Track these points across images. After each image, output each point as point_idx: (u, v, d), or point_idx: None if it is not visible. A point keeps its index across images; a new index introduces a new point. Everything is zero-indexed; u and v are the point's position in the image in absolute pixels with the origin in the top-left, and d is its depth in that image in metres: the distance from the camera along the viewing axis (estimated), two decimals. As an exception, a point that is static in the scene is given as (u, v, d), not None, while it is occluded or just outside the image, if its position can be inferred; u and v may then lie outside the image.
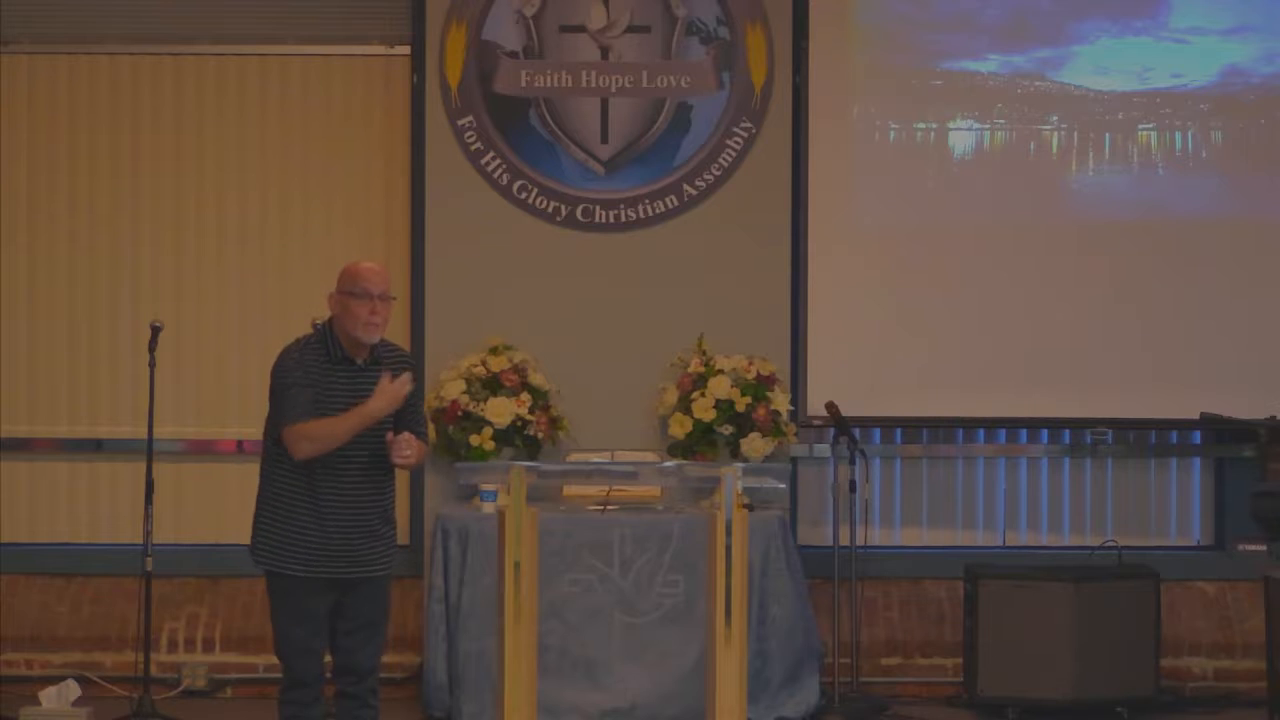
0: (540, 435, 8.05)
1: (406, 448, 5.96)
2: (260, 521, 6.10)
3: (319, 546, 6.00)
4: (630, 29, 8.28)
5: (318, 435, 5.90)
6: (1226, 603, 8.37)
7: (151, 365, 7.58)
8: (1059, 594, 7.69)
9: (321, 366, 6.00)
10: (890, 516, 8.58)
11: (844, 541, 7.91)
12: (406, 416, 6.09)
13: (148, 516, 7.55)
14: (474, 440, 7.98)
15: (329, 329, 6.06)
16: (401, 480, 8.20)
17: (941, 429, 8.52)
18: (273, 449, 6.07)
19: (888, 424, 8.47)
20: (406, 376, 5.96)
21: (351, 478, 6.01)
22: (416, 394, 6.18)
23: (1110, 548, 8.07)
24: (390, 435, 5.97)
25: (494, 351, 8.13)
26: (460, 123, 8.27)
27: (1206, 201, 8.31)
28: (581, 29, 8.29)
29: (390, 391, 5.91)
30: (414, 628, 8.06)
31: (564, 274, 8.28)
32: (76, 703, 7.51)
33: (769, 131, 8.28)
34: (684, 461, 7.75)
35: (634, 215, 8.29)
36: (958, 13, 8.34)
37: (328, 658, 6.19)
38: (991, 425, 8.48)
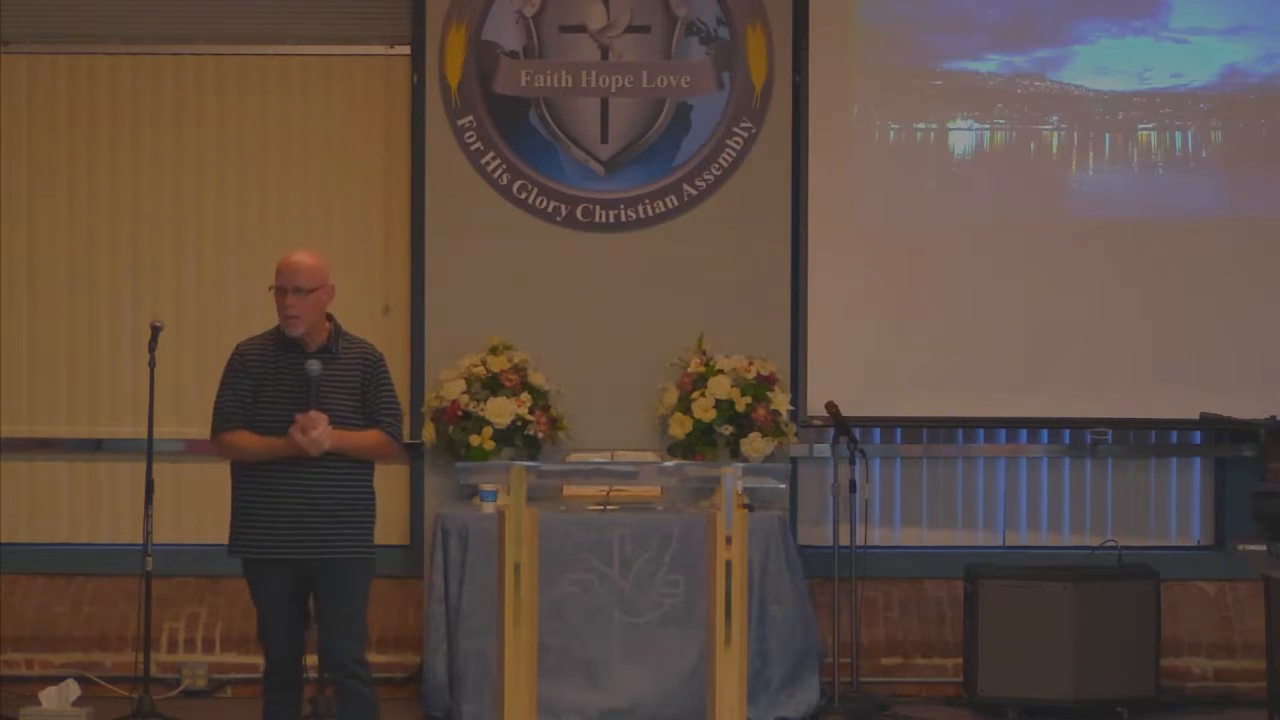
0: (540, 435, 8.04)
1: (312, 426, 5.97)
2: (230, 513, 6.23)
3: (265, 527, 6.07)
4: (630, 29, 8.28)
5: (235, 450, 6.13)
6: (1226, 603, 8.37)
7: (151, 365, 7.57)
8: (1059, 594, 7.68)
9: (269, 353, 6.14)
10: (890, 516, 8.58)
11: (844, 541, 7.91)
12: (369, 406, 6.12)
13: (148, 516, 7.55)
14: (474, 440, 7.97)
15: None
16: (401, 480, 8.26)
17: (941, 429, 8.51)
18: None
19: (888, 424, 8.47)
20: (319, 433, 5.97)
21: (287, 462, 6.03)
22: (380, 384, 6.18)
23: (1110, 548, 8.07)
24: (298, 415, 5.99)
25: (494, 351, 8.13)
26: (460, 123, 8.27)
27: (1206, 201, 8.31)
28: (581, 29, 8.29)
29: (301, 441, 5.98)
30: (414, 628, 8.06)
31: (564, 274, 8.28)
32: (76, 703, 7.51)
33: (769, 131, 8.27)
34: (684, 461, 7.74)
35: (634, 215, 8.29)
36: (958, 13, 8.33)
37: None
38: (991, 425, 8.47)
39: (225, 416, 6.13)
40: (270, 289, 6.14)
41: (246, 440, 6.09)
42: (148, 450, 7.61)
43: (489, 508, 7.58)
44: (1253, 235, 8.29)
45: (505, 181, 8.28)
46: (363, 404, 6.12)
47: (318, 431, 5.97)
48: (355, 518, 6.13)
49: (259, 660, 8.07)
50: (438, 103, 8.26)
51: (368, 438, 6.12)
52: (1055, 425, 8.44)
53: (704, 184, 8.28)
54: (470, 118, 8.27)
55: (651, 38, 8.28)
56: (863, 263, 8.29)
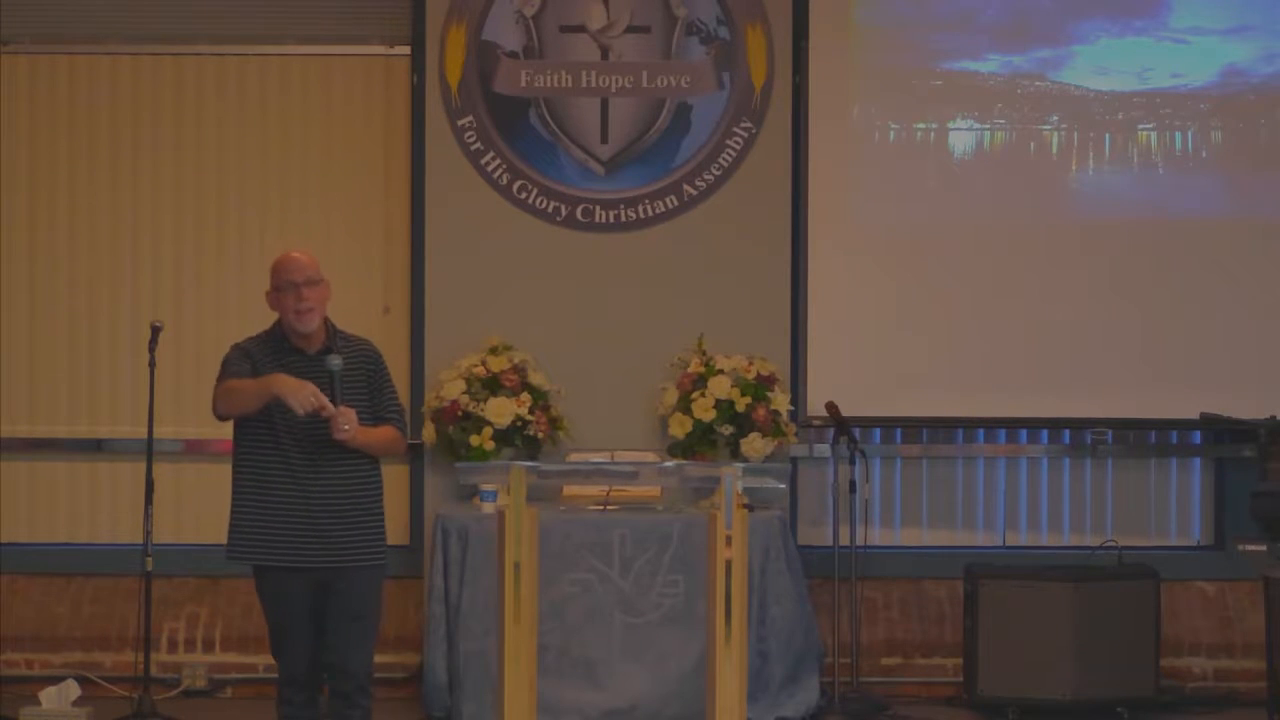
0: (540, 435, 8.04)
1: (345, 422, 5.92)
2: (231, 516, 6.15)
3: (281, 533, 6.01)
4: (630, 29, 8.28)
5: (227, 391, 5.97)
6: (1226, 603, 8.37)
7: (151, 365, 7.57)
8: (1059, 594, 7.69)
9: (271, 357, 6.05)
10: (890, 516, 8.58)
11: (844, 541, 7.91)
12: (375, 403, 6.10)
13: (148, 516, 7.55)
14: (474, 440, 7.97)
15: (279, 324, 6.10)
16: (401, 480, 8.25)
17: (941, 429, 8.52)
18: (235, 444, 6.18)
19: (888, 424, 8.47)
20: (351, 428, 5.92)
21: (306, 464, 6.00)
22: (384, 380, 6.17)
23: (1110, 548, 8.07)
24: (324, 414, 5.91)
25: (494, 351, 8.13)
26: (460, 123, 8.27)
27: (1206, 201, 8.31)
28: (581, 29, 8.29)
29: (301, 395, 5.84)
30: (414, 628, 8.06)
31: (564, 274, 8.28)
32: (76, 703, 7.51)
33: (769, 131, 8.27)
34: (684, 461, 7.74)
35: (634, 215, 8.29)
36: (958, 13, 8.34)
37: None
38: (991, 425, 8.47)
39: (230, 373, 5.99)
40: (269, 293, 6.09)
41: (236, 383, 5.93)
42: (148, 450, 7.61)
43: (489, 508, 7.58)
44: (1252, 235, 8.29)
45: (505, 181, 8.28)
46: (369, 401, 6.11)
47: (350, 427, 5.93)
48: (371, 522, 6.11)
49: (259, 660, 8.16)
50: (438, 103, 8.26)
51: (385, 434, 6.11)
52: (1055, 425, 8.44)
53: (704, 184, 8.28)
54: (470, 118, 8.27)
55: (651, 38, 8.28)
56: (863, 263, 8.29)
